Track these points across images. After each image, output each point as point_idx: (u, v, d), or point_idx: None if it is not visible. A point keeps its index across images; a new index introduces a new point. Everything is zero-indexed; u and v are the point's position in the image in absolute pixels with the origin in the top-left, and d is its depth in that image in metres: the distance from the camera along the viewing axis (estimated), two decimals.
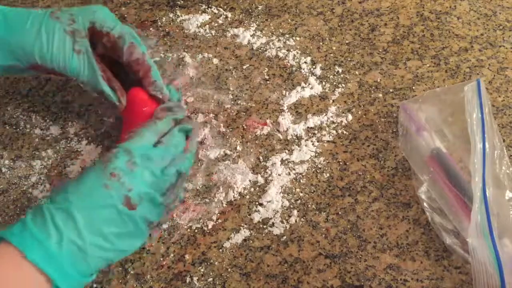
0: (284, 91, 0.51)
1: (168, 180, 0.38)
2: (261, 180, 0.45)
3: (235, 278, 0.40)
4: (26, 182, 0.46)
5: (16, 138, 0.50)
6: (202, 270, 0.40)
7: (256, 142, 0.48)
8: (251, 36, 0.56)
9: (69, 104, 0.52)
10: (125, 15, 0.60)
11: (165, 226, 0.43)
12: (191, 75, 0.54)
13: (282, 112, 0.50)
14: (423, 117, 0.45)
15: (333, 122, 0.49)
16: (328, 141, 0.47)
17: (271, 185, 0.45)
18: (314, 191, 0.44)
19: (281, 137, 0.48)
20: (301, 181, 0.45)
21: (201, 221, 0.43)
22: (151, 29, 0.58)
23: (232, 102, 0.51)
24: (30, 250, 0.32)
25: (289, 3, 0.60)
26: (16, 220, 0.44)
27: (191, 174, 0.46)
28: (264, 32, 0.57)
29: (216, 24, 0.58)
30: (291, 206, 0.43)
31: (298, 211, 0.43)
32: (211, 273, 0.40)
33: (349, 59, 0.53)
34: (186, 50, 0.56)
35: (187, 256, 0.41)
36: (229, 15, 0.59)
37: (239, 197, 0.44)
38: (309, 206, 0.43)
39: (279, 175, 0.45)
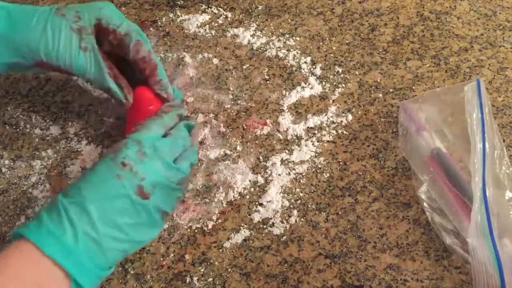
0: (284, 91, 0.51)
1: (182, 173, 0.38)
2: (261, 180, 0.45)
3: (235, 278, 0.40)
4: (26, 182, 0.46)
5: (16, 138, 0.50)
6: (202, 270, 0.40)
7: (256, 142, 0.48)
8: (251, 36, 0.56)
9: (69, 104, 0.52)
10: (125, 15, 0.60)
11: (165, 226, 0.43)
12: (191, 75, 0.54)
13: (282, 112, 0.50)
14: (423, 117, 0.45)
15: (333, 122, 0.49)
16: (328, 141, 0.47)
17: (271, 185, 0.45)
18: (314, 191, 0.44)
19: (281, 137, 0.48)
20: (301, 181, 0.45)
21: (201, 221, 0.43)
22: (151, 29, 0.58)
23: (232, 102, 0.51)
24: (47, 246, 0.32)
25: (289, 3, 0.60)
26: (16, 220, 0.44)
27: (191, 174, 0.46)
28: (264, 32, 0.57)
29: (216, 24, 0.58)
30: (291, 206, 0.43)
31: (298, 211, 0.43)
32: (211, 273, 0.40)
33: (349, 59, 0.53)
34: (186, 50, 0.56)
35: (187, 256, 0.41)
36: (229, 15, 0.59)
37: (239, 197, 0.44)
38: (309, 206, 0.43)
39: (279, 175, 0.45)
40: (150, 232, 0.37)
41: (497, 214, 0.39)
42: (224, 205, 0.44)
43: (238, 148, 0.47)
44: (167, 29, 0.58)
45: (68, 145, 0.49)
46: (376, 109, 0.49)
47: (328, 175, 0.45)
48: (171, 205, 0.38)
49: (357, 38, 0.55)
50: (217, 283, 0.40)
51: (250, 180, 0.45)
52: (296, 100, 0.51)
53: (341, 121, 0.49)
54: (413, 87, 0.50)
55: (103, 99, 0.52)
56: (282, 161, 0.46)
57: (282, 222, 0.42)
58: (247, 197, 0.44)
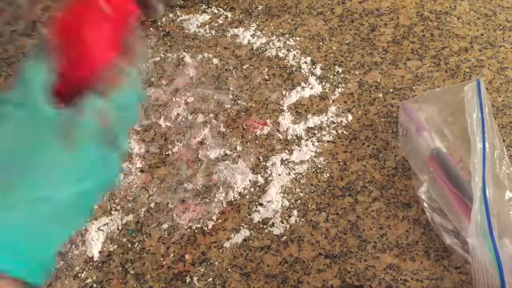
0: (284, 91, 0.51)
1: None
2: (261, 180, 0.45)
3: (235, 278, 0.40)
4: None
5: None
6: (202, 270, 0.40)
7: (256, 142, 0.48)
8: (251, 36, 0.56)
9: None
10: None
11: (165, 226, 0.43)
12: (191, 75, 0.54)
13: (282, 112, 0.50)
14: (423, 117, 0.45)
15: (333, 122, 0.49)
16: (328, 141, 0.47)
17: (271, 185, 0.45)
18: (314, 191, 0.44)
19: (281, 137, 0.48)
20: (301, 181, 0.45)
21: (201, 221, 0.43)
22: (151, 29, 0.58)
23: (232, 102, 0.51)
24: None
25: (289, 3, 0.60)
26: None
27: (191, 174, 0.46)
28: (264, 32, 0.57)
29: (216, 24, 0.58)
30: (291, 206, 0.43)
31: (298, 211, 0.43)
32: (211, 273, 0.40)
33: (349, 59, 0.53)
34: (186, 50, 0.56)
35: (187, 256, 0.41)
36: (229, 15, 0.59)
37: (239, 197, 0.44)
38: (309, 206, 0.43)
39: (279, 175, 0.45)
40: None
41: (497, 214, 0.39)
42: (224, 205, 0.44)
43: (238, 148, 0.47)
44: (167, 29, 0.58)
45: None
46: (376, 109, 0.49)
47: (328, 175, 0.45)
48: None
49: (357, 38, 0.55)
50: (217, 283, 0.40)
51: (250, 180, 0.45)
52: (296, 100, 0.51)
53: (341, 121, 0.49)
54: (413, 87, 0.50)
55: None
56: (282, 161, 0.46)
57: (282, 222, 0.42)
58: (247, 197, 0.44)
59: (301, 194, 0.44)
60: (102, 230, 0.43)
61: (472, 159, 0.40)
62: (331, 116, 0.49)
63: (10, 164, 0.29)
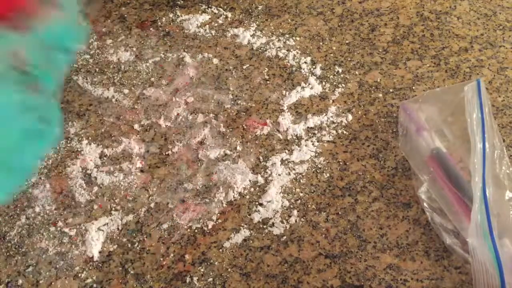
0: (284, 91, 0.51)
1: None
2: (261, 180, 0.45)
3: (235, 278, 0.40)
4: (26, 182, 0.46)
5: None
6: (202, 270, 0.40)
7: (256, 142, 0.48)
8: (251, 36, 0.56)
9: (69, 104, 0.52)
10: (125, 15, 0.60)
11: (165, 226, 0.43)
12: (191, 75, 0.54)
13: (282, 112, 0.50)
14: (423, 117, 0.45)
15: (333, 122, 0.49)
16: (328, 141, 0.47)
17: (271, 185, 0.45)
18: (314, 191, 0.44)
19: (281, 137, 0.48)
20: (301, 181, 0.45)
21: (201, 221, 0.43)
22: (151, 29, 0.58)
23: (232, 102, 0.51)
24: None
25: (289, 3, 0.60)
26: (16, 220, 0.44)
27: (191, 174, 0.46)
28: (264, 32, 0.57)
29: (216, 24, 0.58)
30: (291, 206, 0.43)
31: (298, 211, 0.43)
32: (211, 273, 0.40)
33: (349, 59, 0.53)
34: (186, 50, 0.56)
35: (187, 256, 0.41)
36: (229, 15, 0.59)
37: (239, 197, 0.44)
38: (309, 206, 0.43)
39: (279, 175, 0.45)
40: None
41: (497, 214, 0.39)
42: (224, 205, 0.44)
43: (238, 148, 0.47)
44: (167, 29, 0.58)
45: (68, 145, 0.49)
46: (376, 109, 0.49)
47: (328, 175, 0.45)
48: None
49: (357, 38, 0.55)
50: (217, 283, 0.40)
51: (250, 180, 0.45)
52: (296, 100, 0.51)
53: (341, 121, 0.49)
54: (413, 87, 0.50)
55: (103, 99, 0.52)
56: (282, 161, 0.46)
57: (282, 222, 0.42)
58: (247, 197, 0.44)
59: (301, 194, 0.44)
60: (102, 230, 0.43)
61: (472, 159, 0.40)
62: (331, 116, 0.49)
63: None
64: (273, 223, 0.43)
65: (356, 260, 0.40)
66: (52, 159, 0.48)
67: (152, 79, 0.54)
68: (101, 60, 0.56)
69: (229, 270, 0.40)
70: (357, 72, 0.52)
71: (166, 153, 0.48)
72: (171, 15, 0.60)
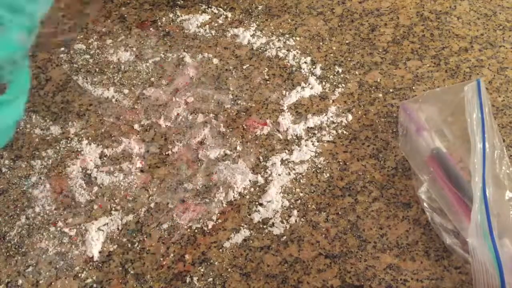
0: (284, 91, 0.51)
1: None
2: (261, 180, 0.45)
3: (235, 278, 0.40)
4: (26, 182, 0.46)
5: (16, 138, 0.50)
6: (202, 270, 0.40)
7: (256, 142, 0.48)
8: (251, 36, 0.56)
9: (69, 104, 0.52)
10: (125, 15, 0.60)
11: (165, 226, 0.43)
12: (191, 75, 0.54)
13: (282, 112, 0.50)
14: (423, 117, 0.45)
15: (333, 122, 0.49)
16: (328, 141, 0.47)
17: (271, 185, 0.45)
18: (314, 191, 0.44)
19: (281, 137, 0.48)
20: (301, 181, 0.45)
21: (201, 221, 0.43)
22: (151, 29, 0.58)
23: (232, 102, 0.51)
24: None
25: (289, 3, 0.60)
26: (16, 220, 0.44)
27: (191, 174, 0.46)
28: (264, 32, 0.57)
29: (216, 24, 0.58)
30: (291, 206, 0.43)
31: (298, 211, 0.43)
32: (211, 273, 0.40)
33: (349, 59, 0.54)
34: (186, 50, 0.56)
35: (187, 256, 0.41)
36: (229, 15, 0.59)
37: (239, 197, 0.44)
38: (309, 206, 0.43)
39: (279, 175, 0.45)
40: None
41: (497, 214, 0.39)
42: (224, 205, 0.44)
43: (238, 148, 0.47)
44: (167, 29, 0.58)
45: (68, 145, 0.49)
46: (376, 109, 0.49)
47: (328, 175, 0.45)
48: None
49: (357, 38, 0.55)
50: (217, 283, 0.40)
51: (250, 180, 0.45)
52: (296, 100, 0.51)
53: (341, 121, 0.49)
54: (413, 87, 0.50)
55: (103, 99, 0.52)
56: (282, 161, 0.46)
57: (282, 222, 0.42)
58: (247, 197, 0.44)
59: (301, 194, 0.44)
60: (102, 230, 0.43)
61: (472, 159, 0.40)
62: (331, 116, 0.49)
63: None
64: (273, 223, 0.43)
65: (356, 260, 0.40)
66: (52, 159, 0.48)
67: (152, 79, 0.54)
68: (101, 60, 0.56)
69: (229, 270, 0.40)
70: (357, 72, 0.52)
71: (166, 153, 0.48)
72: (171, 15, 0.60)
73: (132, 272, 0.41)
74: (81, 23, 0.60)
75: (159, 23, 0.59)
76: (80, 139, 0.49)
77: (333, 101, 0.50)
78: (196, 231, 0.43)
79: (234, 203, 0.44)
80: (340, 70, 0.53)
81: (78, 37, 0.58)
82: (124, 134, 0.49)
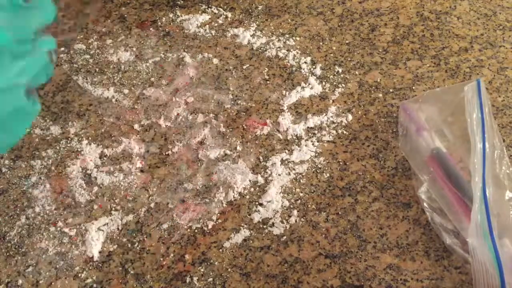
0: (284, 91, 0.51)
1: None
2: (261, 180, 0.45)
3: (235, 278, 0.40)
4: (26, 182, 0.46)
5: None
6: (202, 270, 0.40)
7: (256, 142, 0.48)
8: (251, 36, 0.56)
9: (69, 104, 0.52)
10: (125, 15, 0.60)
11: (165, 226, 0.43)
12: (191, 75, 0.54)
13: (282, 112, 0.50)
14: (423, 117, 0.45)
15: (333, 122, 0.49)
16: (328, 141, 0.47)
17: (271, 185, 0.45)
18: (314, 191, 0.44)
19: (281, 137, 0.48)
20: (301, 181, 0.45)
21: (201, 221, 0.43)
22: (151, 29, 0.58)
23: (232, 102, 0.51)
24: None
25: (289, 3, 0.60)
26: (16, 220, 0.44)
27: (191, 174, 0.46)
28: (264, 32, 0.57)
29: (216, 24, 0.58)
30: (291, 206, 0.43)
31: (298, 211, 0.43)
32: (211, 273, 0.40)
33: (349, 59, 0.54)
34: (186, 50, 0.56)
35: (187, 256, 0.41)
36: (229, 15, 0.59)
37: (239, 197, 0.44)
38: (309, 206, 0.43)
39: (279, 175, 0.45)
40: None
41: (497, 214, 0.39)
42: (224, 205, 0.44)
43: (238, 148, 0.47)
44: (167, 29, 0.58)
45: (68, 145, 0.49)
46: (376, 109, 0.49)
47: (328, 175, 0.45)
48: None
49: (357, 38, 0.55)
50: (217, 283, 0.40)
51: (250, 180, 0.45)
52: (296, 100, 0.51)
53: (341, 121, 0.49)
54: (413, 87, 0.50)
55: (103, 99, 0.52)
56: (282, 161, 0.46)
57: (282, 222, 0.42)
58: (247, 197, 0.44)
59: (301, 194, 0.44)
60: (102, 230, 0.43)
61: (472, 159, 0.40)
62: (331, 116, 0.49)
63: None
64: (273, 223, 0.43)
65: (356, 260, 0.40)
66: (52, 159, 0.48)
67: (152, 79, 0.54)
68: (101, 60, 0.56)
69: (229, 270, 0.40)
70: (357, 72, 0.52)
71: (166, 153, 0.48)
72: (171, 15, 0.60)
73: (132, 272, 0.41)
74: (81, 23, 0.60)
75: (159, 23, 0.59)
76: (80, 139, 0.49)
77: (333, 101, 0.50)
78: (196, 231, 0.43)
79: (234, 203, 0.44)
80: (340, 70, 0.53)
81: (78, 37, 0.58)
82: (124, 134, 0.49)
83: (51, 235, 0.43)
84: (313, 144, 0.47)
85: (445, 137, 0.44)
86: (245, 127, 0.49)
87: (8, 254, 0.42)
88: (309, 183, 0.45)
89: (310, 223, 0.42)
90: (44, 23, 0.38)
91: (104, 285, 0.40)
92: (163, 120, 0.50)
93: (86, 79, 0.54)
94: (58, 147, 0.49)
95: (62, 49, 0.57)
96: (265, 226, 0.42)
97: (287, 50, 0.55)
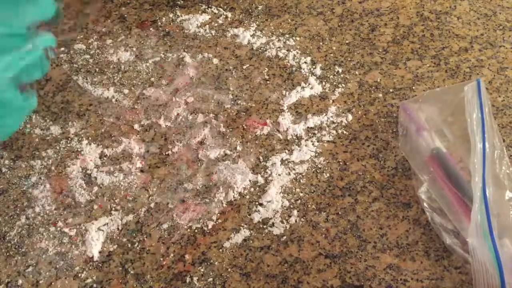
0: (284, 91, 0.51)
1: None
2: (261, 180, 0.45)
3: (235, 278, 0.40)
4: (26, 182, 0.46)
5: (16, 138, 0.50)
6: (202, 270, 0.40)
7: (256, 142, 0.48)
8: (251, 36, 0.56)
9: (69, 104, 0.52)
10: (125, 15, 0.60)
11: (165, 226, 0.43)
12: (191, 75, 0.54)
13: (282, 112, 0.50)
14: (423, 117, 0.45)
15: (333, 122, 0.49)
16: (328, 141, 0.47)
17: (271, 185, 0.45)
18: (314, 191, 0.44)
19: (281, 137, 0.48)
20: (301, 181, 0.45)
21: (201, 221, 0.43)
22: (151, 29, 0.58)
23: (232, 102, 0.51)
24: None
25: (289, 3, 0.60)
26: (16, 220, 0.44)
27: (191, 174, 0.46)
28: (264, 32, 0.57)
29: (216, 24, 0.58)
30: (291, 206, 0.43)
31: (298, 211, 0.43)
32: (211, 273, 0.40)
33: (349, 59, 0.54)
34: (186, 50, 0.56)
35: (187, 256, 0.41)
36: (229, 15, 0.59)
37: (239, 197, 0.44)
38: (309, 206, 0.43)
39: (279, 175, 0.45)
40: None
41: (497, 214, 0.39)
42: (224, 205, 0.44)
43: (238, 148, 0.47)
44: (167, 29, 0.58)
45: (68, 145, 0.49)
46: (376, 109, 0.49)
47: (328, 175, 0.45)
48: None
49: (357, 38, 0.55)
50: (217, 283, 0.40)
51: (250, 180, 0.45)
52: (296, 100, 0.51)
53: (341, 121, 0.49)
54: (413, 87, 0.50)
55: (103, 99, 0.52)
56: (282, 161, 0.46)
57: (282, 222, 0.42)
58: (247, 197, 0.44)
59: (301, 194, 0.44)
60: (102, 230, 0.43)
61: (472, 159, 0.40)
62: (331, 116, 0.49)
63: None
64: (273, 223, 0.43)
65: (356, 260, 0.40)
66: (52, 159, 0.48)
67: (152, 79, 0.54)
68: (101, 60, 0.56)
69: (229, 270, 0.40)
70: (357, 72, 0.52)
71: (166, 153, 0.48)
72: (171, 15, 0.60)
73: (132, 272, 0.41)
74: (81, 23, 0.60)
75: (159, 23, 0.59)
76: (80, 139, 0.49)
77: (333, 101, 0.50)
78: (196, 231, 0.43)
79: (234, 203, 0.44)
80: (340, 70, 0.53)
81: (78, 37, 0.58)
82: (124, 134, 0.49)
83: (51, 235, 0.43)
84: (313, 144, 0.47)
85: (445, 137, 0.44)
86: (245, 127, 0.49)
87: (8, 254, 0.42)
88: (309, 183, 0.45)
89: (310, 223, 0.42)
90: (40, 19, 0.38)
91: (104, 285, 0.40)
92: (163, 120, 0.50)
93: (86, 79, 0.54)
94: (58, 147, 0.49)
95: (62, 49, 0.57)
96: (265, 226, 0.42)
97: (287, 50, 0.55)
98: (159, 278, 0.40)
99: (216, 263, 0.41)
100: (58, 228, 0.43)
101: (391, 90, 0.50)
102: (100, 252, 0.42)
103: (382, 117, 0.49)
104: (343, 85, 0.51)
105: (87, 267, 0.41)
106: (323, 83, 0.52)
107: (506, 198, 0.40)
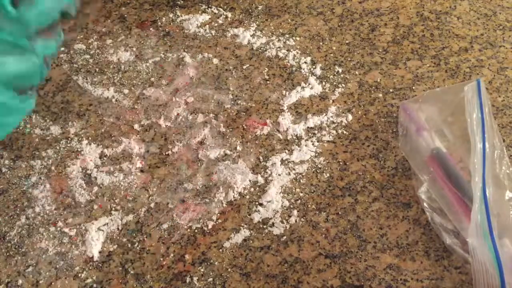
0: (284, 91, 0.51)
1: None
2: (261, 180, 0.45)
3: (235, 278, 0.40)
4: (26, 182, 0.46)
5: (16, 138, 0.50)
6: (202, 270, 0.40)
7: (256, 142, 0.48)
8: (251, 36, 0.56)
9: (69, 104, 0.52)
10: (125, 15, 0.60)
11: (165, 226, 0.43)
12: (191, 75, 0.54)
13: (282, 112, 0.50)
14: (423, 117, 0.45)
15: (333, 122, 0.49)
16: (328, 141, 0.47)
17: (271, 185, 0.45)
18: (314, 191, 0.44)
19: (281, 137, 0.48)
20: (301, 181, 0.45)
21: (201, 221, 0.43)
22: (151, 29, 0.58)
23: (232, 102, 0.51)
24: None
25: (289, 3, 0.60)
26: (16, 220, 0.44)
27: (191, 174, 0.46)
28: (264, 32, 0.57)
29: (216, 24, 0.58)
30: (291, 206, 0.43)
31: (298, 211, 0.43)
32: (211, 273, 0.40)
33: (349, 59, 0.54)
34: (186, 50, 0.56)
35: (187, 256, 0.41)
36: (229, 15, 0.59)
37: (239, 197, 0.44)
38: (309, 206, 0.43)
39: (279, 175, 0.45)
40: None
41: (497, 214, 0.39)
42: (224, 205, 0.44)
43: (238, 148, 0.47)
44: (167, 29, 0.58)
45: (68, 145, 0.49)
46: (376, 109, 0.49)
47: (328, 175, 0.45)
48: None
49: (357, 38, 0.55)
50: (217, 283, 0.40)
51: (250, 180, 0.45)
52: (296, 100, 0.51)
53: (341, 121, 0.49)
54: (413, 87, 0.50)
55: (103, 99, 0.52)
56: (282, 161, 0.46)
57: (282, 222, 0.42)
58: (247, 197, 0.44)
59: (301, 194, 0.44)
60: (102, 230, 0.43)
61: (472, 159, 0.40)
62: (331, 116, 0.49)
63: None
64: (273, 223, 0.43)
65: (356, 260, 0.40)
66: (52, 159, 0.48)
67: (152, 79, 0.54)
68: (101, 60, 0.56)
69: (229, 270, 0.40)
70: (357, 72, 0.52)
71: (166, 153, 0.48)
72: (171, 15, 0.60)
73: (132, 272, 0.41)
74: (81, 23, 0.60)
75: (159, 23, 0.59)
76: (80, 139, 0.49)
77: (333, 101, 0.50)
78: (196, 231, 0.43)
79: (234, 203, 0.44)
80: (340, 70, 0.53)
81: (78, 37, 0.58)
82: (124, 134, 0.49)
83: (51, 235, 0.43)
84: (313, 144, 0.47)
85: (445, 137, 0.44)
86: (245, 127, 0.49)
87: (8, 254, 0.42)
88: (309, 183, 0.45)
89: (310, 223, 0.42)
90: (38, 28, 0.38)
91: (104, 285, 0.40)
92: (163, 120, 0.50)
93: (86, 79, 0.54)
94: (58, 147, 0.49)
95: (62, 49, 0.57)
96: (265, 226, 0.42)
97: (287, 50, 0.55)
98: (159, 278, 0.40)
99: (216, 263, 0.41)
100: (58, 228, 0.43)
101: (391, 90, 0.51)
102: (100, 252, 0.42)
103: (382, 117, 0.49)
104: (343, 85, 0.51)
105: (87, 267, 0.41)
106: (323, 83, 0.52)
107: (506, 198, 0.40)
